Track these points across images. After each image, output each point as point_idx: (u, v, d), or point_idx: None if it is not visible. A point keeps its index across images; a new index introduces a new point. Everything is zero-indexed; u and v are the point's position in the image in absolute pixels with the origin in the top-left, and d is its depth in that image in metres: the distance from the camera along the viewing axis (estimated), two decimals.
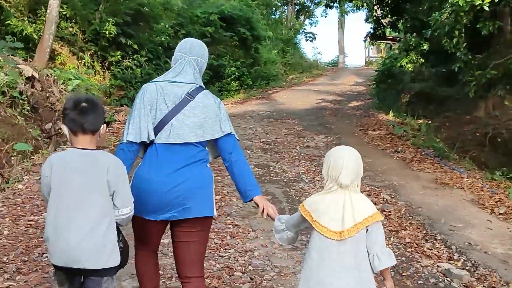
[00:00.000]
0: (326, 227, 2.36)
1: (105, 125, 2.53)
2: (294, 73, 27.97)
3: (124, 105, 13.53)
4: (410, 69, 13.06)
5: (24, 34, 11.15)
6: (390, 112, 14.40)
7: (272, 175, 7.74)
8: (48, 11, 10.48)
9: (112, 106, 13.03)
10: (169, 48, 16.98)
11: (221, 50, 20.07)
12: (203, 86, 2.95)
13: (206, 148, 2.91)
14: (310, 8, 42.22)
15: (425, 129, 11.10)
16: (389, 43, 44.19)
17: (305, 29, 39.33)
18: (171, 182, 2.69)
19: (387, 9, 14.00)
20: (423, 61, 12.62)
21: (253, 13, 23.56)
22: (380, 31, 15.65)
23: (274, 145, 10.16)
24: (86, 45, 13.48)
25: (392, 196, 6.75)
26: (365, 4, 47.58)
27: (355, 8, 43.23)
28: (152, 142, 2.76)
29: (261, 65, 23.56)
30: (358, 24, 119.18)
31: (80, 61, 13.25)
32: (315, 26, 66.12)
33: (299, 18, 39.82)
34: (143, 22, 16.00)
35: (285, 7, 38.63)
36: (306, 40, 38.46)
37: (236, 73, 20.34)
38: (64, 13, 12.81)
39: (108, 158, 2.44)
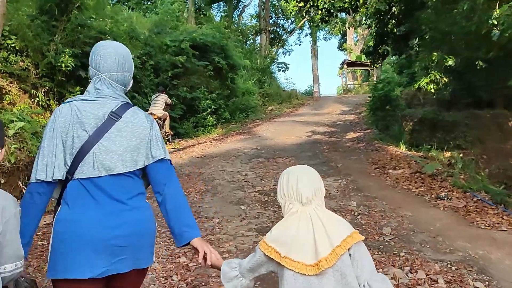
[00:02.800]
0: (300, 262, 1.96)
1: (2, 149, 2.02)
2: (273, 104, 25.78)
3: None
4: (432, 90, 10.90)
5: None
6: (401, 143, 12.19)
7: None
8: None
9: None
10: (137, 81, 14.81)
11: (194, 81, 17.77)
12: (131, 102, 2.40)
13: (141, 178, 2.38)
14: (283, 38, 40.63)
15: (461, 165, 8.83)
16: (366, 70, 42.99)
17: (277, 59, 37.57)
18: (102, 226, 2.13)
19: (393, 21, 11.83)
20: (446, 80, 10.45)
21: (227, 40, 21.42)
22: (382, 49, 13.45)
23: (275, 195, 7.72)
24: (40, 81, 11.45)
25: (486, 282, 4.34)
26: (338, 32, 45.86)
27: (334, 32, 41.87)
28: (72, 177, 2.21)
29: (238, 97, 21.32)
30: (329, 52, 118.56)
31: (33, 99, 11.21)
32: (289, 55, 65.31)
33: (272, 47, 38.02)
34: None
35: (258, 36, 36.89)
36: (279, 70, 36.75)
37: (213, 106, 18.04)
38: (13, 45, 10.95)
39: None
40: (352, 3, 10.03)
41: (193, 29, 19.93)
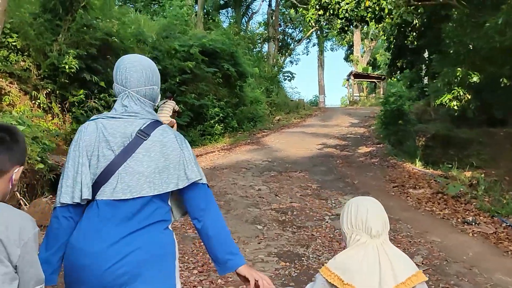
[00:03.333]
0: None
1: (21, 167, 1.83)
2: (281, 114, 25.29)
3: None
4: (455, 107, 10.46)
5: None
6: (417, 160, 11.77)
7: (311, 275, 4.86)
8: None
9: None
10: None
11: (203, 88, 17.34)
12: (160, 120, 2.22)
13: (169, 204, 2.17)
14: (291, 46, 40.28)
15: (484, 186, 8.39)
16: (374, 82, 42.63)
17: (284, 67, 37.23)
18: (113, 254, 1.92)
19: (414, 34, 11.39)
20: (469, 97, 10.03)
21: (237, 47, 21.02)
22: (401, 62, 13.00)
23: (292, 214, 7.31)
24: (42, 82, 11.01)
25: None
26: (345, 43, 45.48)
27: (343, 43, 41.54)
28: (93, 199, 2.01)
29: (247, 105, 20.89)
30: (333, 63, 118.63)
31: (33, 101, 10.80)
32: (296, 64, 65.27)
33: (280, 56, 37.62)
34: (112, 55, 13.56)
35: (265, 44, 36.57)
36: (284, 79, 36.44)
37: (221, 114, 17.60)
38: (14, 43, 10.55)
39: (12, 216, 1.69)
40: (376, 13, 9.63)
41: (203, 34, 19.53)
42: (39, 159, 7.62)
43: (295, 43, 40.32)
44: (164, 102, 13.55)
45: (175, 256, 2.16)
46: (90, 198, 2.02)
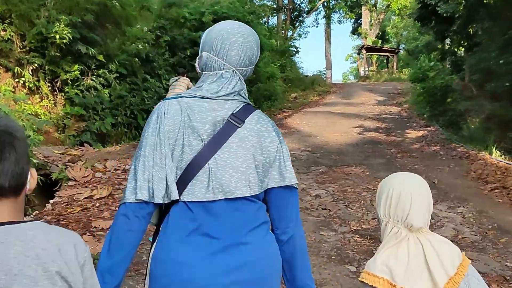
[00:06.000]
0: None
1: (33, 170, 1.30)
2: (297, 91, 23.02)
3: (86, 144, 9.56)
4: None
5: None
6: (493, 148, 9.58)
7: None
8: None
9: (67, 148, 8.90)
10: (149, 60, 12.23)
11: None
12: (251, 104, 1.77)
13: (263, 203, 1.79)
14: (300, 18, 37.76)
15: None
16: (386, 55, 40.28)
17: (294, 40, 34.82)
18: (219, 267, 1.57)
19: None
20: None
21: (251, 16, 18.60)
22: (473, 28, 10.61)
23: None
24: (27, 56, 9.70)
25: None
26: (352, 16, 42.89)
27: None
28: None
29: (263, 82, 18.55)
30: (334, 37, 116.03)
31: (17, 80, 9.61)
32: (305, 37, 63.35)
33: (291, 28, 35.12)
34: (111, 23, 11.68)
35: (270, 16, 34.02)
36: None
37: None
38: None
39: (58, 236, 1.25)
40: None
41: (215, 0, 17.16)
42: None
43: (305, 14, 37.70)
44: (177, 80, 11.41)
45: (281, 266, 1.74)
46: (177, 198, 1.59)
